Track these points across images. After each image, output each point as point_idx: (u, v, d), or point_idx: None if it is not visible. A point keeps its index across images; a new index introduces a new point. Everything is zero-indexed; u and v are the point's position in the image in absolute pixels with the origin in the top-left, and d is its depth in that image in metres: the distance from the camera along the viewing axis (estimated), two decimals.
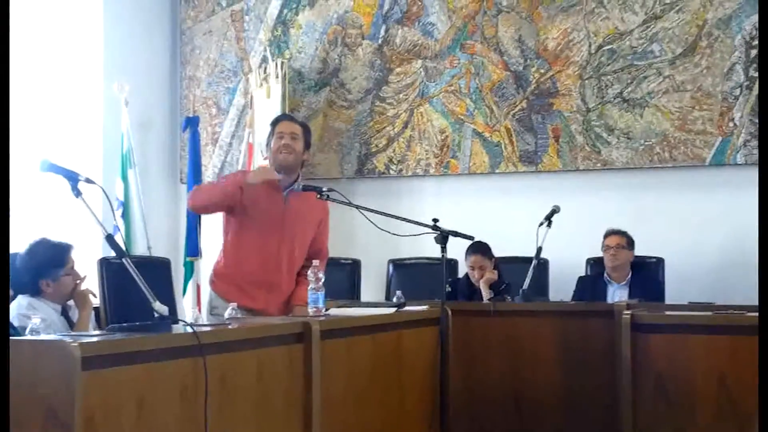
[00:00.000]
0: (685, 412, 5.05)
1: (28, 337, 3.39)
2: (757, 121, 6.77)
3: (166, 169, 8.47)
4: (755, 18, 6.80)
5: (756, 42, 6.80)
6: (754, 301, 5.64)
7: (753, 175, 6.78)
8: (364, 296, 7.33)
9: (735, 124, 6.86)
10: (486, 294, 6.29)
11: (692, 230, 6.99)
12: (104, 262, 5.60)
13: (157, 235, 7.82)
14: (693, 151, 6.97)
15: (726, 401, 4.96)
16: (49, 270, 4.65)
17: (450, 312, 5.28)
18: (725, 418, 4.97)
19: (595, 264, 6.88)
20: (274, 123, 5.25)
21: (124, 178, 7.62)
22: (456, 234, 5.00)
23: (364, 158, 7.90)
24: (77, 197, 3.71)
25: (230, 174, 5.07)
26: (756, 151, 6.77)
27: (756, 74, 6.78)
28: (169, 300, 5.46)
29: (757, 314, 5.07)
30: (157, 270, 5.98)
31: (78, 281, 4.77)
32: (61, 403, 2.94)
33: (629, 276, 6.59)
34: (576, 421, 5.43)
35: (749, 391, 4.86)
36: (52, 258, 4.69)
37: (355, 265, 7.46)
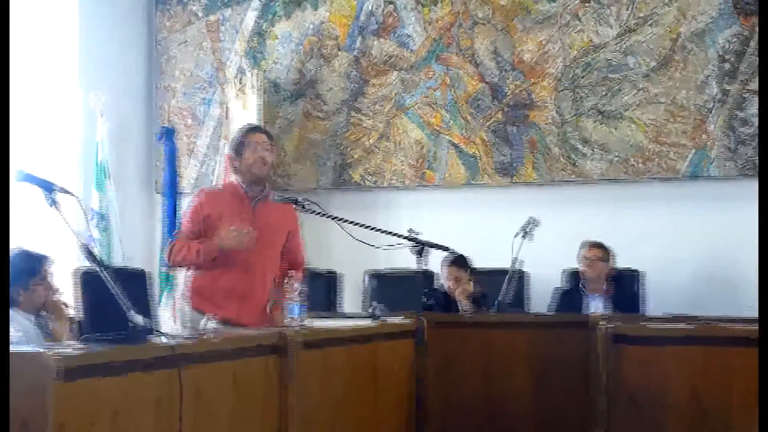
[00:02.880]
0: (658, 425, 5.05)
1: None
2: (731, 134, 6.82)
3: (142, 179, 8.44)
4: (729, 32, 6.85)
5: (728, 56, 6.84)
6: (730, 312, 5.70)
7: (727, 187, 6.87)
8: (342, 308, 7.32)
9: (709, 137, 6.90)
10: (463, 305, 6.29)
11: (668, 242, 7.01)
12: (80, 273, 5.58)
13: (133, 246, 7.80)
14: (667, 163, 7.01)
15: (699, 414, 4.97)
16: (21, 279, 4.62)
17: (426, 323, 5.28)
18: (698, 430, 4.98)
19: (572, 275, 6.90)
20: (248, 132, 5.20)
21: (100, 188, 7.59)
22: (432, 245, 5.01)
23: (341, 169, 7.90)
24: (53, 207, 3.69)
25: (204, 244, 4.92)
26: (729, 164, 6.82)
27: (729, 87, 6.83)
28: (145, 311, 5.45)
29: (733, 326, 5.14)
30: (133, 281, 5.97)
31: (51, 292, 4.75)
32: (35, 415, 2.93)
33: (605, 287, 6.61)
34: None
35: (722, 403, 4.90)
36: (25, 267, 4.67)
37: (332, 277, 7.44)
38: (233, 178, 5.25)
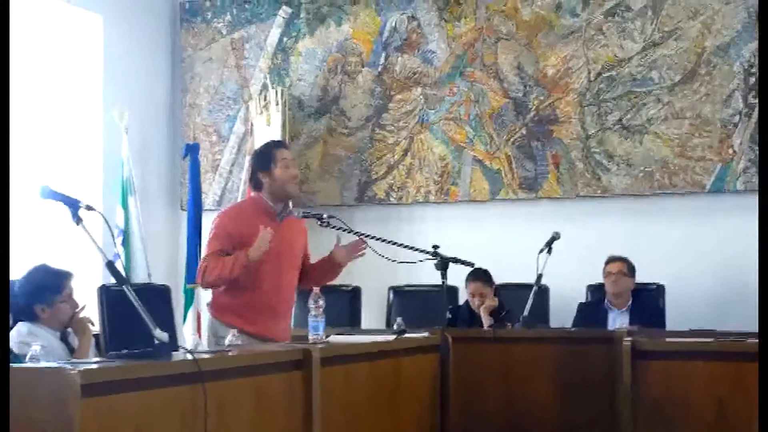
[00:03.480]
0: None
1: (28, 364, 3.38)
2: (756, 148, 6.79)
3: (166, 196, 8.48)
4: (753, 45, 6.83)
5: (754, 69, 6.82)
6: (754, 327, 5.65)
7: (753, 201, 6.79)
8: (365, 323, 7.32)
9: (734, 151, 6.87)
10: (486, 321, 6.28)
11: (692, 257, 6.98)
12: (104, 289, 5.59)
13: (157, 263, 7.81)
14: (693, 178, 6.99)
15: (724, 429, 4.94)
16: (45, 295, 4.63)
17: (450, 339, 5.27)
18: None
19: (596, 290, 6.87)
20: (276, 147, 5.19)
21: (125, 205, 7.62)
22: (456, 261, 5.01)
23: (365, 185, 7.91)
24: (77, 224, 3.71)
25: (234, 256, 4.90)
26: (755, 179, 6.78)
27: (755, 101, 6.80)
28: (169, 327, 5.42)
29: (757, 341, 5.10)
30: (157, 297, 5.96)
31: (76, 309, 4.77)
32: (59, 430, 2.93)
33: (630, 302, 6.57)
34: None
35: (748, 418, 4.85)
36: (49, 284, 4.68)
37: (355, 292, 7.45)
38: (254, 193, 5.23)
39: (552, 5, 7.39)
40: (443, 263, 4.94)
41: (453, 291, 6.79)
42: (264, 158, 5.12)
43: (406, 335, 5.15)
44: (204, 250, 5.11)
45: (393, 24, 7.86)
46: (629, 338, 5.22)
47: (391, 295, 7.39)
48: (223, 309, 5.04)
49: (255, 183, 5.16)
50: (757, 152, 6.78)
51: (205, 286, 5.17)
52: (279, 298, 5.05)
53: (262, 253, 4.83)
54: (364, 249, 5.12)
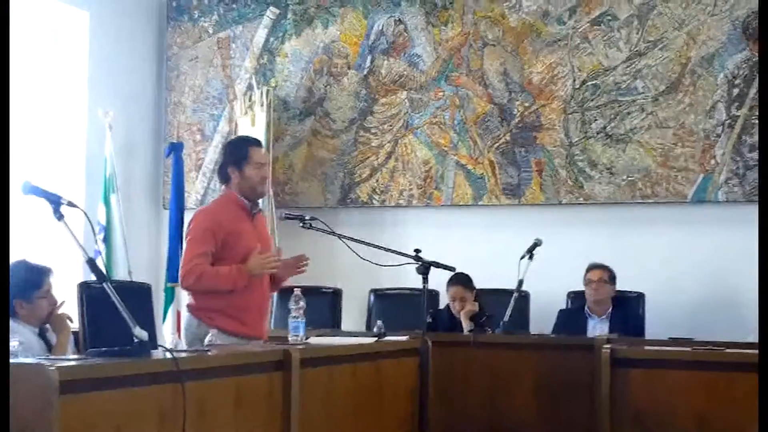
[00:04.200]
0: None
1: None
2: (738, 159, 6.82)
3: (148, 194, 8.45)
4: (738, 57, 6.86)
5: (738, 81, 6.85)
6: (734, 337, 5.68)
7: (733, 213, 6.86)
8: (345, 326, 7.31)
9: (717, 162, 6.90)
10: (467, 325, 6.28)
11: (673, 266, 7.00)
12: (84, 286, 5.58)
13: (138, 261, 7.79)
14: (675, 188, 7.01)
15: None
16: (24, 291, 4.62)
17: (430, 343, 5.28)
18: None
19: (576, 297, 6.88)
20: (251, 145, 5.15)
21: (107, 202, 7.60)
22: (437, 265, 5.01)
23: (348, 188, 7.91)
24: (59, 220, 3.70)
25: (236, 269, 4.90)
26: (737, 189, 6.81)
27: (738, 113, 6.83)
28: (149, 325, 5.44)
29: (736, 350, 5.13)
30: (137, 295, 5.96)
31: (54, 306, 4.75)
32: (37, 427, 2.92)
33: (610, 310, 6.60)
34: None
35: (727, 428, 4.88)
36: (28, 280, 4.66)
37: (336, 294, 7.45)
38: (226, 189, 5.17)
39: (539, 13, 7.40)
40: (424, 267, 4.95)
41: (434, 295, 6.80)
42: (237, 154, 5.09)
43: (387, 338, 5.16)
44: (186, 250, 5.01)
45: (380, 27, 7.87)
46: (608, 346, 5.23)
47: (372, 298, 7.39)
48: (202, 308, 5.02)
49: (223, 175, 5.12)
50: (740, 164, 6.81)
51: (192, 290, 5.04)
52: (259, 295, 5.06)
53: (263, 272, 4.88)
54: (305, 267, 5.11)
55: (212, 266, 4.89)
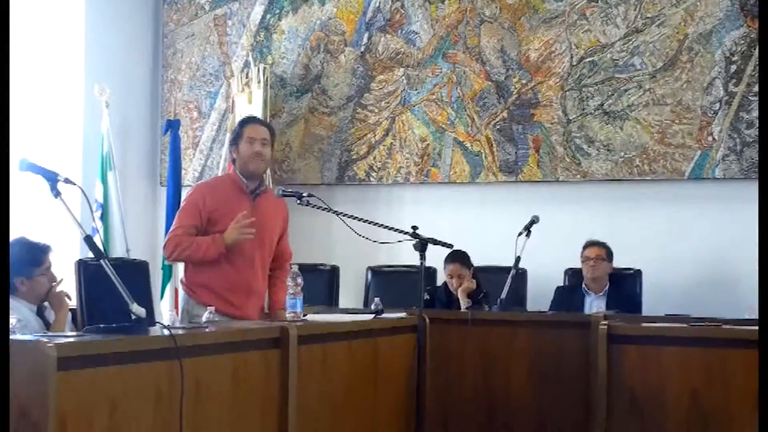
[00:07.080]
0: (658, 425, 5.05)
1: None
2: (736, 136, 6.82)
3: (145, 171, 8.45)
4: (735, 33, 6.85)
5: (736, 58, 6.84)
6: (730, 314, 5.70)
7: (730, 189, 6.86)
8: (342, 303, 7.33)
9: (714, 139, 6.90)
10: (464, 303, 6.29)
11: (670, 243, 7.01)
12: (82, 264, 5.59)
13: (135, 238, 7.80)
14: (672, 165, 7.01)
15: (699, 415, 4.97)
16: (25, 268, 4.63)
17: (427, 320, 5.29)
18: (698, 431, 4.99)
19: (574, 274, 6.90)
20: (243, 124, 5.15)
21: (104, 180, 7.60)
22: (435, 242, 5.00)
23: (345, 165, 7.90)
24: (56, 197, 3.70)
25: (211, 238, 4.88)
26: (734, 166, 6.81)
27: (735, 89, 6.83)
28: (147, 302, 5.44)
29: (733, 327, 5.14)
30: (135, 272, 5.96)
31: (53, 283, 4.76)
32: (35, 404, 2.93)
33: (607, 287, 6.61)
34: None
35: (722, 404, 4.90)
36: (28, 257, 4.67)
37: (333, 272, 7.45)
38: (232, 169, 5.23)
39: None
40: (422, 244, 4.94)
41: (431, 272, 6.79)
42: (234, 133, 5.14)
43: (384, 315, 5.17)
44: (175, 220, 5.04)
45: (377, 4, 7.84)
46: (605, 322, 5.24)
47: (369, 275, 7.39)
48: (195, 286, 5.02)
49: (232, 159, 5.17)
50: (737, 140, 6.81)
51: (172, 260, 5.13)
52: (251, 275, 5.03)
53: (238, 238, 4.84)
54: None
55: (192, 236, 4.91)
